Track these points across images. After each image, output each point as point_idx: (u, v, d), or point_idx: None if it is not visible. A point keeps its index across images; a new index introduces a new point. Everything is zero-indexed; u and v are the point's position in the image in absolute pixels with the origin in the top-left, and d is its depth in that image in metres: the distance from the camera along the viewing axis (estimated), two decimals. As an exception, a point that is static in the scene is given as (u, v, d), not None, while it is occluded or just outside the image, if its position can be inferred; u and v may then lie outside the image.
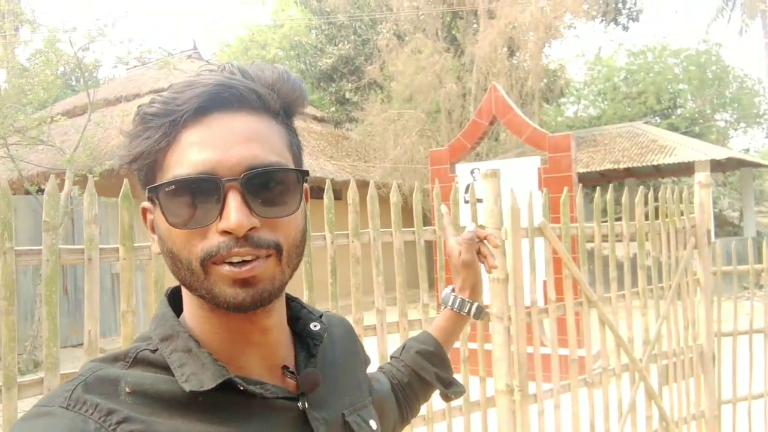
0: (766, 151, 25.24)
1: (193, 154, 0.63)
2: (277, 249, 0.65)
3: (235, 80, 0.66)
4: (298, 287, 2.12)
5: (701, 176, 3.45)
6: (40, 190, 8.56)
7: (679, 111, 21.36)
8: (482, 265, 1.17)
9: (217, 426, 0.64)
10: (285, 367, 0.73)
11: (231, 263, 0.62)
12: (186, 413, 0.63)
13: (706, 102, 20.77)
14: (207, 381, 0.63)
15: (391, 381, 1.07)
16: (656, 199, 3.31)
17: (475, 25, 13.16)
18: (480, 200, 2.68)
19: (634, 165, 12.39)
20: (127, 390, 0.62)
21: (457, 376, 2.63)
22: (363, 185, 2.60)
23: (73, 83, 17.27)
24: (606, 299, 3.04)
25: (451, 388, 1.13)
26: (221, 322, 0.68)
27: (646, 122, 16.97)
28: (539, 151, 6.77)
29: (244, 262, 0.63)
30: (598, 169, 12.67)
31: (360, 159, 14.51)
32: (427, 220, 2.88)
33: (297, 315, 0.80)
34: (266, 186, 0.64)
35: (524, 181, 6.00)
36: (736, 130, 23.48)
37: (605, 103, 22.34)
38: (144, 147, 0.65)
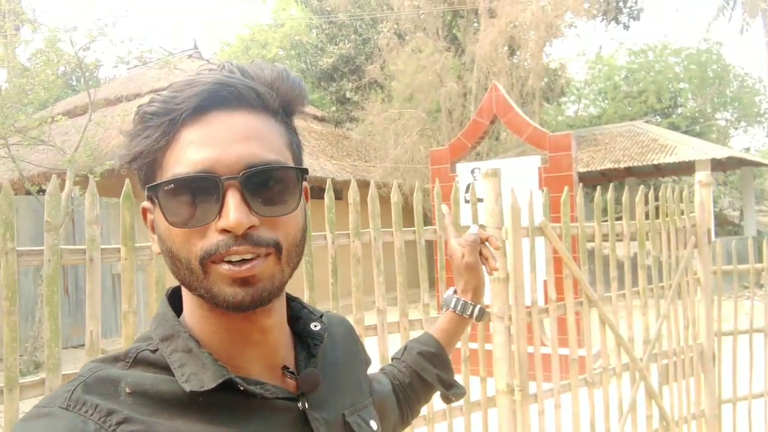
0: (767, 150, 25.21)
1: (192, 152, 0.63)
2: (277, 248, 0.65)
3: (234, 79, 0.66)
4: (299, 287, 2.12)
5: (702, 175, 3.45)
6: (41, 191, 8.56)
7: (679, 110, 21.35)
8: (483, 267, 1.17)
9: (218, 426, 0.63)
10: (285, 368, 0.73)
11: (230, 262, 0.62)
12: (186, 413, 0.63)
13: (706, 101, 20.75)
14: (207, 381, 0.63)
15: (392, 382, 1.07)
16: (657, 199, 3.31)
17: (475, 24, 13.16)
18: (480, 200, 2.68)
19: (635, 164, 12.38)
20: (128, 390, 0.62)
21: (458, 376, 2.64)
22: (363, 185, 2.60)
23: (74, 83, 17.28)
24: (606, 299, 3.04)
25: (451, 390, 1.12)
26: (221, 322, 0.68)
27: (646, 121, 16.97)
28: (540, 151, 6.76)
29: (244, 261, 0.62)
30: (598, 168, 12.67)
31: (360, 159, 14.51)
32: (427, 220, 2.88)
33: (297, 315, 0.80)
34: (265, 184, 0.64)
35: (525, 181, 6.00)
36: (736, 129, 23.46)
37: (606, 102, 22.33)
38: (143, 146, 0.65)
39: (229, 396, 0.65)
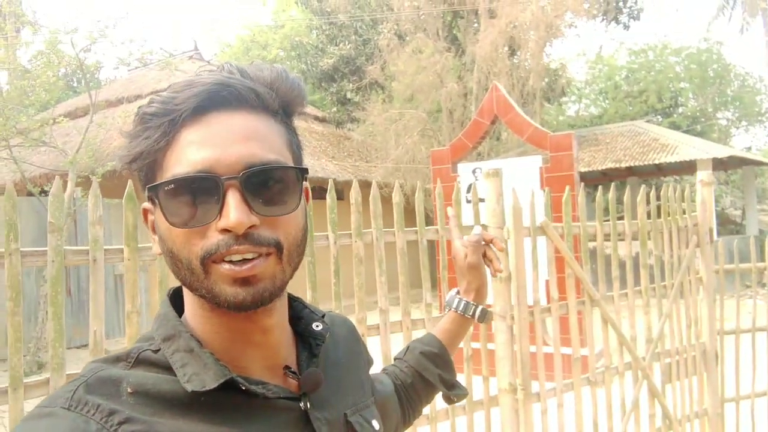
0: (768, 149, 25.19)
1: (192, 152, 0.63)
2: (278, 247, 0.65)
3: (234, 79, 0.66)
4: (302, 287, 2.13)
5: (703, 175, 3.45)
6: (43, 192, 8.58)
7: (680, 109, 21.34)
8: (487, 268, 1.17)
9: (219, 426, 0.63)
10: (287, 367, 0.73)
11: (231, 262, 0.62)
12: (188, 413, 0.63)
13: (707, 100, 20.74)
14: (209, 381, 0.63)
15: (395, 382, 1.07)
16: (658, 198, 3.31)
17: (476, 25, 13.16)
18: (482, 200, 2.68)
19: (636, 164, 12.37)
20: (129, 390, 0.62)
21: (461, 375, 2.64)
22: (365, 185, 2.61)
23: (75, 85, 17.31)
24: (608, 298, 3.04)
25: (453, 390, 1.13)
26: (222, 322, 0.68)
27: (647, 121, 16.96)
28: (541, 151, 6.76)
29: (245, 261, 0.62)
30: (599, 168, 12.67)
31: (362, 159, 14.52)
32: (429, 220, 2.88)
33: (299, 315, 0.80)
34: (265, 184, 0.64)
35: (526, 181, 6.00)
36: (737, 128, 23.45)
37: (606, 102, 22.33)
38: (143, 147, 0.65)
39: (231, 396, 0.65)
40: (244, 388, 0.65)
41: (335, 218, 2.29)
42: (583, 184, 3.43)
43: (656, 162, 12.26)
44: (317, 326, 0.78)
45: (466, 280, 1.15)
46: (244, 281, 0.63)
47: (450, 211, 1.40)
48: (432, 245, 2.82)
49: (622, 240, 3.14)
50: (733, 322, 3.83)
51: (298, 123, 0.76)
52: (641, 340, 3.15)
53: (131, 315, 1.82)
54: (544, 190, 2.97)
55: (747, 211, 15.42)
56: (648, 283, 3.18)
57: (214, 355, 0.66)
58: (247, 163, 0.63)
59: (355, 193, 2.34)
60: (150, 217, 0.70)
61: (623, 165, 12.47)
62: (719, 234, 13.65)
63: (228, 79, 0.66)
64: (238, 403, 0.65)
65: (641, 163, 12.35)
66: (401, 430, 1.07)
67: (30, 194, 8.59)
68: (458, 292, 1.16)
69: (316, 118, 15.90)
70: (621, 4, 14.89)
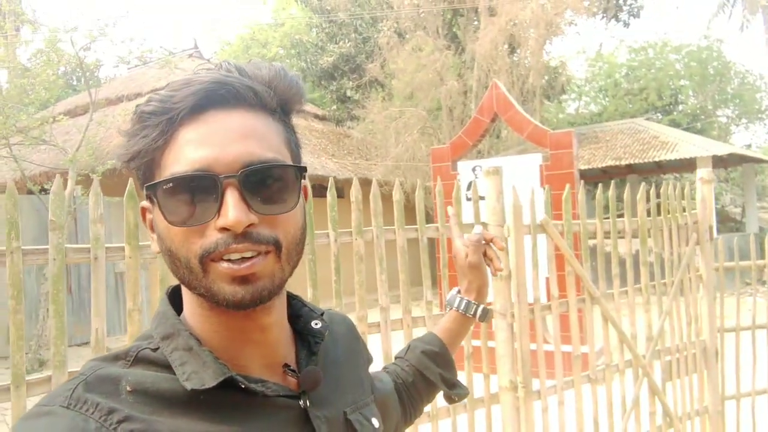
0: (768, 146, 25.19)
1: (190, 151, 0.63)
2: (277, 245, 0.65)
3: (232, 78, 0.66)
4: (303, 285, 2.13)
5: (703, 172, 3.45)
6: (43, 190, 8.58)
7: (680, 107, 21.33)
8: (487, 267, 1.18)
9: (219, 424, 0.63)
10: (286, 365, 0.73)
11: (230, 260, 0.62)
12: (187, 412, 0.63)
13: (707, 98, 20.73)
14: (208, 379, 0.63)
15: (395, 380, 1.07)
16: (658, 196, 3.32)
17: (475, 23, 13.15)
18: (482, 197, 2.68)
19: (636, 161, 12.37)
20: (128, 389, 0.62)
21: (461, 373, 2.63)
22: (365, 183, 2.61)
23: (75, 83, 17.29)
24: (609, 296, 3.04)
25: (455, 390, 1.13)
26: (221, 321, 0.68)
27: (647, 119, 16.97)
28: (541, 148, 6.76)
29: (243, 259, 0.62)
30: (599, 165, 12.67)
31: (362, 157, 14.52)
32: (429, 218, 2.89)
33: (298, 313, 0.80)
34: (264, 182, 0.64)
35: (526, 178, 6.01)
36: (737, 126, 23.46)
37: (606, 99, 22.32)
38: (141, 145, 0.65)
39: (230, 394, 0.65)
40: (243, 386, 0.65)
41: (336, 216, 2.29)
42: (583, 181, 3.43)
43: (656, 159, 12.26)
44: (316, 324, 0.78)
45: (467, 280, 1.15)
46: (243, 280, 0.63)
47: (450, 210, 1.40)
48: (432, 243, 2.82)
49: (622, 237, 3.14)
50: (733, 319, 3.84)
51: (298, 121, 0.76)
52: (641, 338, 3.16)
53: (132, 313, 1.82)
54: (544, 188, 2.97)
55: (747, 209, 15.42)
56: (648, 280, 3.18)
57: (213, 353, 0.66)
58: (245, 161, 0.63)
59: (355, 191, 2.34)
60: (148, 216, 0.70)
61: (623, 163, 12.47)
62: (719, 231, 13.64)
63: (226, 78, 0.66)
64: (237, 402, 0.65)
65: (641, 161, 12.34)
66: (402, 429, 1.07)
67: (30, 192, 8.60)
68: (459, 292, 1.16)
69: (316, 116, 15.90)
70: (621, 1, 14.87)
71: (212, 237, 0.62)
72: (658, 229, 3.28)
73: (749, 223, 14.80)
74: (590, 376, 2.93)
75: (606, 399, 2.94)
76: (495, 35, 11.67)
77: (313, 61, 15.25)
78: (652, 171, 15.48)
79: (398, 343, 2.16)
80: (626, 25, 15.39)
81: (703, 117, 20.65)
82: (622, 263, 3.10)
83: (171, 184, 0.63)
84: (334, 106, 15.45)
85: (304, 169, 0.69)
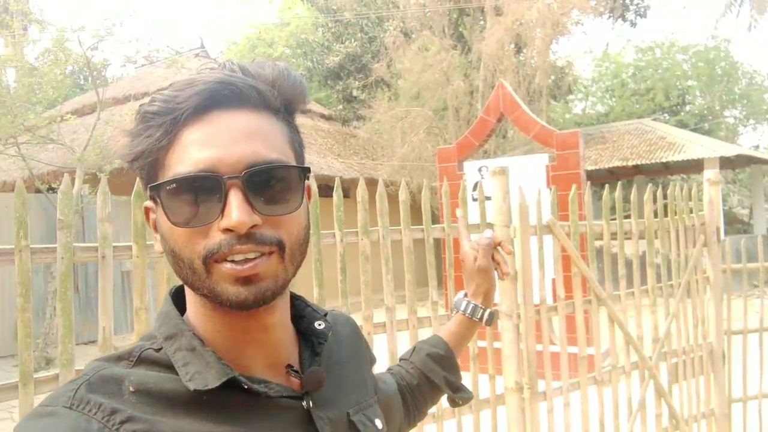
0: (776, 147, 25.05)
1: (194, 152, 0.63)
2: (280, 246, 0.65)
3: (236, 78, 0.66)
4: (309, 284, 2.13)
5: (710, 173, 3.44)
6: (51, 189, 8.62)
7: (687, 108, 21.25)
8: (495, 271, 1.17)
9: (221, 425, 0.63)
10: (289, 366, 0.72)
11: (233, 261, 0.62)
12: (190, 412, 0.63)
13: (715, 98, 20.64)
14: (211, 380, 0.63)
15: (399, 382, 1.06)
16: (665, 197, 3.30)
17: (482, 22, 13.13)
18: (488, 198, 2.68)
19: (643, 162, 12.31)
20: (131, 389, 0.62)
21: (467, 374, 2.63)
22: (371, 183, 2.61)
23: (82, 82, 17.38)
24: (615, 297, 3.03)
25: (459, 393, 1.12)
26: (224, 321, 0.68)
27: (654, 119, 16.90)
28: (547, 149, 6.75)
29: (246, 260, 0.62)
30: (606, 166, 12.62)
31: (368, 157, 14.52)
32: (435, 218, 2.88)
33: (301, 313, 0.80)
34: (268, 183, 0.64)
35: (532, 179, 5.99)
36: (745, 126, 23.35)
37: (613, 99, 22.25)
38: (145, 146, 0.65)
39: (233, 395, 0.64)
40: (246, 387, 0.64)
41: (341, 216, 2.30)
42: (589, 182, 3.42)
43: (663, 160, 12.20)
44: (319, 325, 0.78)
45: (474, 283, 1.15)
46: (246, 280, 0.63)
47: (459, 212, 1.39)
48: (438, 243, 2.82)
49: (629, 239, 3.13)
50: (740, 321, 3.82)
51: (304, 121, 0.76)
52: (648, 340, 3.15)
53: (140, 312, 1.83)
54: (550, 189, 2.96)
55: (755, 210, 15.33)
56: (655, 282, 3.17)
57: (217, 353, 0.66)
58: (249, 162, 0.63)
59: (361, 191, 2.34)
60: (152, 216, 0.70)
61: (630, 163, 12.41)
62: (726, 233, 13.59)
63: (229, 78, 0.65)
64: (240, 402, 0.65)
65: (648, 162, 12.29)
66: (405, 431, 1.07)
67: (38, 191, 8.64)
68: (466, 295, 1.16)
69: (322, 116, 15.91)
70: (628, 1, 14.81)
71: (216, 238, 0.62)
72: (665, 231, 3.27)
73: (757, 224, 14.71)
74: (596, 377, 2.92)
75: (612, 401, 2.93)
76: (501, 35, 11.65)
77: (319, 61, 15.27)
78: (660, 172, 15.41)
79: (404, 343, 2.16)
80: (633, 24, 15.32)
81: (710, 118, 20.56)
82: (628, 264, 3.09)
83: (175, 185, 0.63)
84: (340, 106, 15.45)
85: (308, 169, 0.69)
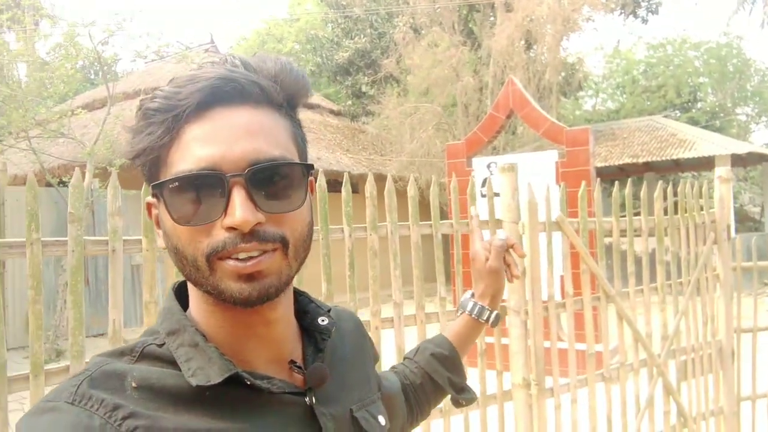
0: (789, 145, 24.81)
1: (196, 149, 0.62)
2: (283, 243, 0.64)
3: (237, 73, 0.65)
4: (317, 279, 2.14)
5: (721, 171, 3.41)
6: (62, 183, 8.69)
7: (699, 105, 21.09)
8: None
9: (224, 421, 0.63)
10: (292, 362, 0.72)
11: (237, 258, 0.62)
12: (192, 408, 0.63)
13: (726, 95, 20.47)
14: (214, 375, 0.63)
15: (403, 381, 1.06)
16: (675, 194, 3.28)
17: (492, 18, 13.08)
18: (497, 194, 2.67)
19: (654, 159, 12.23)
20: (134, 385, 0.62)
21: (474, 370, 2.63)
22: (379, 179, 2.61)
23: (93, 77, 17.48)
24: (624, 294, 3.02)
25: (462, 394, 1.12)
26: (226, 316, 0.67)
27: (665, 116, 16.77)
28: (557, 145, 6.72)
29: (250, 257, 0.62)
30: (616, 163, 12.55)
31: (376, 152, 14.52)
32: (443, 214, 2.88)
33: (305, 309, 0.80)
34: (271, 180, 0.64)
35: (542, 175, 5.96)
36: (757, 124, 23.14)
37: (624, 96, 22.12)
38: (147, 143, 0.65)
39: (236, 391, 0.64)
40: (249, 382, 0.64)
41: (350, 211, 2.30)
42: (599, 179, 3.41)
43: (674, 158, 12.12)
44: (323, 321, 0.78)
45: (483, 284, 1.14)
46: (249, 277, 0.63)
47: (473, 210, 1.37)
48: (446, 239, 2.82)
49: (639, 236, 3.11)
50: (750, 320, 3.79)
51: (313, 116, 0.76)
52: (657, 337, 3.13)
53: (149, 305, 1.84)
54: (559, 185, 2.95)
55: (766, 208, 15.21)
56: (664, 279, 3.16)
57: (219, 349, 0.66)
58: (252, 159, 0.62)
59: (370, 187, 2.34)
60: (154, 211, 0.70)
61: (640, 160, 12.33)
62: (737, 231, 13.48)
63: (231, 74, 0.65)
64: (242, 398, 0.65)
65: (659, 159, 12.21)
66: (408, 430, 1.06)
67: (49, 185, 8.71)
68: (473, 295, 1.15)
69: (331, 112, 15.92)
70: (639, -3, 14.72)
71: (219, 236, 0.62)
72: (675, 228, 3.25)
73: (768, 222, 14.60)
74: (604, 374, 2.91)
75: (620, 398, 2.92)
76: (511, 31, 11.60)
77: (329, 57, 15.28)
78: (670, 169, 15.30)
79: (411, 338, 2.16)
80: (644, 21, 15.23)
81: (722, 115, 20.39)
82: (638, 262, 3.08)
83: (177, 183, 0.62)
84: (350, 102, 15.46)
85: (311, 166, 0.69)
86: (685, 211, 3.31)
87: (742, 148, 12.24)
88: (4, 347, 1.60)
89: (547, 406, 2.65)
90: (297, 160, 0.68)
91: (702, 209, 3.41)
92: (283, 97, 0.69)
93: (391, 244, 2.40)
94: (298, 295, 0.80)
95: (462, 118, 12.45)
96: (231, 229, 0.61)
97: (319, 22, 18.72)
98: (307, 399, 0.70)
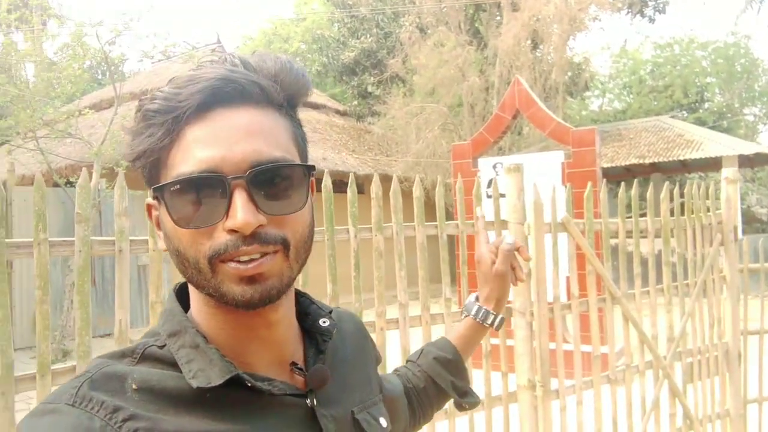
0: (797, 146, 24.66)
1: (197, 151, 0.62)
2: (285, 245, 0.64)
3: (238, 73, 0.65)
4: (322, 280, 2.14)
5: (728, 172, 3.40)
6: (69, 183, 8.73)
7: (706, 105, 20.98)
8: None
9: (224, 423, 0.63)
10: (293, 364, 0.72)
11: (238, 261, 0.62)
12: (193, 410, 0.62)
13: (734, 96, 20.36)
14: (214, 377, 0.63)
15: (406, 384, 1.06)
16: (682, 195, 3.27)
17: (498, 18, 13.07)
18: (503, 195, 2.67)
19: (660, 160, 12.17)
20: (134, 387, 0.62)
21: (479, 371, 2.63)
22: (385, 179, 2.61)
23: (100, 77, 17.56)
24: (630, 296, 3.01)
25: (465, 398, 1.11)
26: (227, 318, 0.67)
27: (672, 116, 16.68)
28: (563, 146, 6.70)
29: (252, 260, 0.62)
30: (623, 164, 12.50)
31: (382, 153, 14.52)
32: (449, 215, 2.88)
33: (306, 311, 0.79)
34: (272, 182, 0.63)
35: (547, 176, 5.95)
36: (765, 124, 22.99)
37: (631, 96, 22.03)
38: (147, 145, 0.64)
39: (237, 392, 0.64)
40: (249, 384, 0.64)
41: (356, 212, 2.30)
42: (605, 180, 3.39)
43: (681, 158, 12.06)
44: (324, 322, 0.77)
45: (488, 287, 1.13)
46: (251, 279, 0.62)
47: (478, 211, 1.36)
48: (452, 240, 2.82)
49: (645, 237, 3.10)
50: (757, 322, 3.77)
51: (319, 116, 0.76)
52: (663, 339, 3.12)
53: (155, 305, 1.85)
54: (565, 186, 2.95)
55: (774, 209, 15.12)
56: (670, 281, 3.14)
57: (220, 351, 0.66)
58: (253, 161, 0.62)
59: (375, 187, 2.34)
60: (154, 213, 0.70)
61: (647, 161, 12.27)
62: (744, 232, 13.40)
63: (231, 74, 0.64)
64: (243, 400, 0.65)
65: (665, 159, 12.14)
66: None
67: (56, 185, 8.75)
68: (477, 299, 1.15)
69: (337, 112, 15.92)
70: (647, -3, 14.67)
71: (221, 238, 0.62)
72: (681, 229, 3.23)
73: (776, 223, 14.51)
74: (610, 376, 2.90)
75: (625, 400, 2.91)
76: (518, 31, 11.58)
77: (335, 57, 15.30)
78: (677, 170, 15.22)
79: (416, 339, 2.17)
80: (652, 20, 15.18)
81: (729, 115, 20.29)
82: (644, 263, 3.07)
83: (178, 186, 0.62)
84: (355, 102, 15.48)
85: (313, 168, 0.69)
86: (692, 212, 3.29)
87: (749, 148, 12.17)
88: (11, 347, 1.61)
89: (552, 407, 2.65)
90: (298, 161, 0.68)
91: (709, 210, 3.40)
92: (284, 97, 0.69)
93: (397, 244, 2.41)
94: (300, 296, 0.80)
95: (468, 119, 12.44)
96: (232, 231, 0.61)
97: (325, 22, 18.75)
98: (308, 401, 0.70)
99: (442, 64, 12.11)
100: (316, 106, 14.72)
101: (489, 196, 5.76)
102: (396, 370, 1.12)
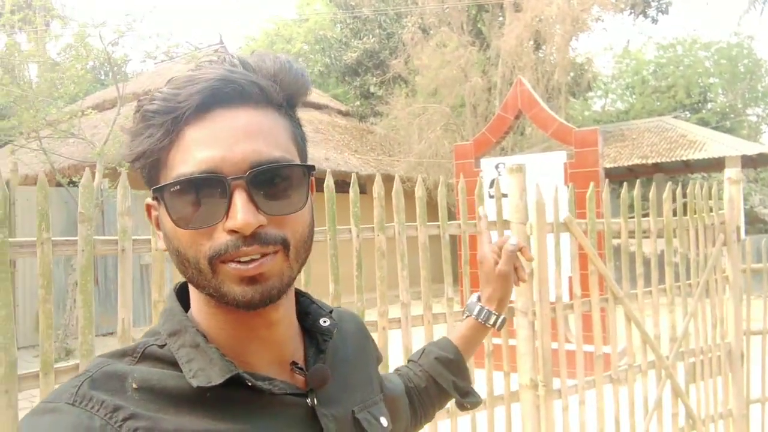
0: (800, 146, 24.60)
1: (196, 152, 0.62)
2: (285, 245, 0.64)
3: (237, 73, 0.65)
4: (324, 280, 2.15)
5: (731, 172, 3.39)
6: (72, 183, 8.75)
7: (709, 105, 20.95)
8: None
9: (225, 422, 0.63)
10: (294, 363, 0.72)
11: (239, 261, 0.62)
12: (193, 409, 0.62)
13: (737, 96, 20.32)
14: (215, 376, 0.63)
15: (407, 384, 1.06)
16: (685, 195, 3.27)
17: (500, 18, 13.06)
18: (505, 195, 2.67)
19: (663, 160, 12.16)
20: (134, 386, 0.62)
21: (481, 371, 2.63)
22: (387, 179, 2.61)
23: (103, 77, 17.59)
24: (632, 296, 3.01)
25: (467, 398, 1.11)
26: (228, 318, 0.67)
27: (675, 117, 16.68)
28: (565, 146, 6.70)
29: (252, 260, 0.62)
30: (625, 164, 12.48)
31: (384, 153, 14.52)
32: (451, 215, 2.88)
33: (306, 310, 0.79)
34: (272, 182, 0.63)
35: (550, 176, 5.95)
36: (768, 125, 22.94)
37: (633, 97, 22.01)
38: (146, 146, 0.64)
39: (237, 392, 0.64)
40: (250, 383, 0.64)
41: (358, 212, 2.30)
42: (607, 180, 3.39)
43: (684, 158, 12.05)
44: (324, 322, 0.77)
45: (491, 287, 1.13)
46: (252, 280, 0.62)
47: (481, 211, 1.36)
48: (454, 240, 2.82)
49: (647, 237, 3.10)
50: (759, 322, 3.77)
51: (321, 116, 0.76)
52: (665, 339, 3.12)
53: (158, 304, 1.85)
54: (568, 186, 2.95)
55: (777, 210, 15.09)
56: (673, 281, 3.14)
57: (220, 350, 0.66)
58: (253, 161, 0.62)
59: (377, 187, 2.34)
60: (154, 213, 0.70)
61: (650, 161, 12.26)
62: (747, 232, 13.37)
63: (231, 74, 0.64)
64: (243, 400, 0.65)
65: (668, 160, 12.13)
66: None
67: (59, 185, 8.77)
68: (479, 299, 1.15)
69: (340, 112, 15.93)
70: (649, -3, 14.65)
71: (221, 239, 0.62)
72: (684, 229, 3.23)
73: (779, 224, 14.48)
74: (612, 376, 2.90)
75: (628, 400, 2.91)
76: (520, 31, 11.58)
77: (337, 57, 15.31)
78: (680, 170, 15.20)
79: (418, 339, 2.17)
80: (654, 21, 15.16)
81: (732, 115, 20.25)
82: (646, 263, 3.07)
83: (178, 187, 0.62)
84: (358, 102, 15.48)
85: (313, 168, 0.68)
86: (695, 213, 3.29)
87: (752, 149, 12.15)
88: (14, 345, 1.62)
89: (554, 407, 2.65)
90: (297, 161, 0.68)
91: (711, 211, 3.39)
92: (283, 97, 0.69)
93: (399, 244, 2.41)
94: (300, 296, 0.80)
95: (470, 119, 12.44)
96: (233, 231, 0.61)
97: (327, 23, 18.76)
98: (308, 400, 0.70)
99: (445, 64, 12.10)
100: (318, 107, 14.73)
101: (491, 197, 5.76)
102: (397, 370, 1.12)
